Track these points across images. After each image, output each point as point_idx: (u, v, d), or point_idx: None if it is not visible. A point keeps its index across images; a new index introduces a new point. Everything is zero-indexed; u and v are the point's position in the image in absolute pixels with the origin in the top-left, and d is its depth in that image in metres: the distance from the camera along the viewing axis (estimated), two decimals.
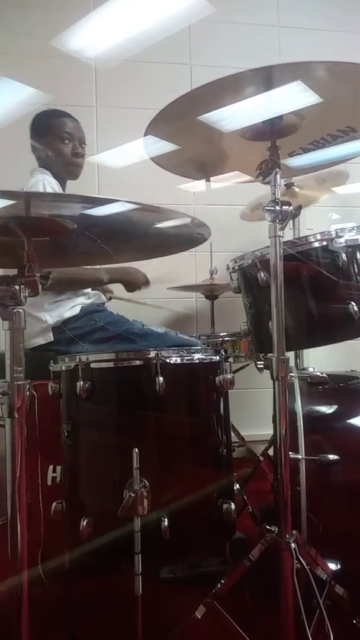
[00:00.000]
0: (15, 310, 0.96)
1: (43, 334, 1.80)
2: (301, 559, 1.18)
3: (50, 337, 1.80)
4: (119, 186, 2.53)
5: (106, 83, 2.65)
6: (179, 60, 2.71)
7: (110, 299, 2.10)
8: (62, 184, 1.94)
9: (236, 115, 1.22)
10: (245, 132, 1.27)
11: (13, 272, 0.97)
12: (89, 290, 1.95)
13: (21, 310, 0.96)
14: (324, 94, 1.13)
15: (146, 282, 1.99)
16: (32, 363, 1.03)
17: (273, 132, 1.24)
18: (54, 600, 1.42)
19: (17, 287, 0.95)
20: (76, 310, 1.84)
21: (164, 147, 1.31)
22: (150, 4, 2.47)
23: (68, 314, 1.82)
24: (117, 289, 2.05)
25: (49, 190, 1.78)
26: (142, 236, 1.15)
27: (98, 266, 1.94)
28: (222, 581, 1.24)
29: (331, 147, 1.34)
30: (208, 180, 1.56)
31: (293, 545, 1.17)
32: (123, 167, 2.56)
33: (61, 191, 1.87)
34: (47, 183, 1.82)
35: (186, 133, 1.29)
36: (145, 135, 1.24)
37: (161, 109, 1.15)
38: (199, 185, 1.81)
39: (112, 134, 2.58)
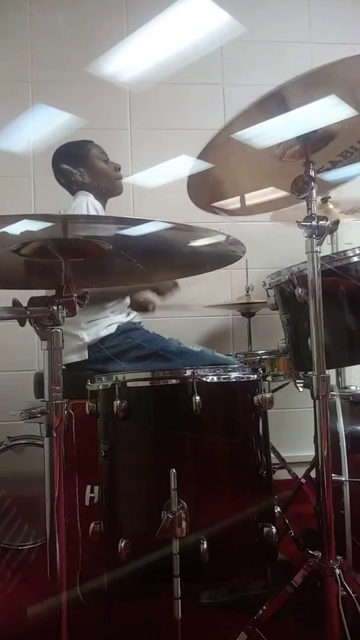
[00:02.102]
0: (53, 330, 0.97)
1: (79, 352, 1.82)
2: (347, 586, 1.13)
3: (85, 355, 1.82)
4: (153, 206, 2.56)
5: (140, 105, 2.71)
6: (211, 80, 2.74)
7: (154, 308, 2.11)
8: (103, 204, 2.00)
9: (270, 132, 1.22)
10: (279, 148, 1.27)
11: (51, 292, 0.98)
12: (126, 306, 1.96)
13: (59, 330, 0.97)
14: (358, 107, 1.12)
15: (175, 285, 2.02)
16: (69, 382, 1.04)
17: (307, 147, 1.23)
18: (92, 624, 1.40)
19: (55, 307, 0.96)
20: (112, 329, 1.86)
21: (199, 165, 1.32)
22: (182, 27, 2.52)
23: (104, 332, 1.84)
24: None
25: (92, 211, 1.84)
26: (177, 255, 1.15)
27: None
28: (264, 607, 1.20)
29: None
30: (242, 197, 1.56)
31: (338, 571, 1.13)
32: (157, 187, 2.59)
33: (104, 212, 1.91)
34: (90, 205, 1.87)
35: (221, 151, 1.29)
36: (197, 158, 1.24)
37: (215, 134, 1.15)
38: (234, 202, 1.80)
39: (146, 155, 2.62)
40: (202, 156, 1.25)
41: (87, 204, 1.86)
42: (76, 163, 2.00)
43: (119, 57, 2.59)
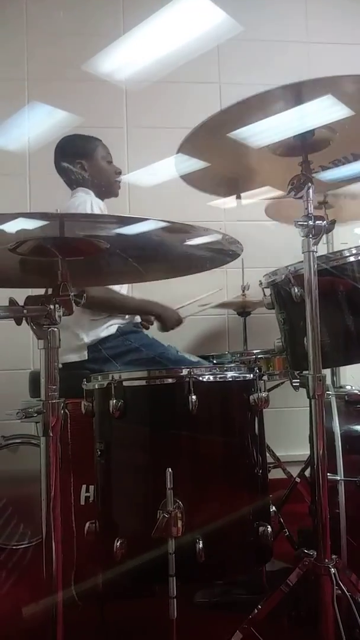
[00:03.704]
0: (50, 329, 0.96)
1: (78, 352, 1.82)
2: (341, 585, 1.13)
3: (84, 355, 1.81)
4: (150, 205, 2.56)
5: (136, 104, 2.70)
6: (208, 79, 2.74)
7: (147, 328, 2.10)
8: None
9: (267, 131, 1.22)
10: (276, 147, 1.27)
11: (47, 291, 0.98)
12: None
13: (56, 329, 0.97)
14: (355, 107, 1.12)
15: (179, 322, 2.01)
16: (65, 381, 1.03)
17: (304, 146, 1.24)
18: (87, 623, 1.40)
19: (51, 306, 0.96)
20: (112, 330, 1.86)
21: (194, 164, 1.32)
22: (179, 26, 2.52)
23: (104, 333, 1.84)
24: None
25: (96, 210, 1.84)
26: (173, 254, 1.15)
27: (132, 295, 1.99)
28: (259, 606, 1.20)
29: None
30: (239, 197, 1.56)
31: (333, 570, 1.13)
32: (153, 185, 2.58)
33: (107, 211, 1.91)
34: (94, 203, 1.87)
35: (216, 150, 1.29)
36: (177, 153, 1.25)
37: (194, 128, 1.16)
38: (230, 201, 1.81)
39: (142, 154, 2.62)
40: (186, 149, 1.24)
41: (91, 203, 1.86)
42: (80, 155, 1.99)
43: (115, 55, 2.58)
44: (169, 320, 1.98)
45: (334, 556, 1.16)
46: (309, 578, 1.17)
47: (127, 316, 1.95)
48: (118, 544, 1.19)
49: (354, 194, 2.03)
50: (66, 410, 1.01)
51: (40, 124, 2.55)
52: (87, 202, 1.86)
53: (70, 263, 0.99)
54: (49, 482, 0.95)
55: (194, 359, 1.86)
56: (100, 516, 1.34)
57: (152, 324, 2.09)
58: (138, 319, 2.01)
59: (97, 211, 1.83)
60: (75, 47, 2.63)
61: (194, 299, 2.17)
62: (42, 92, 2.59)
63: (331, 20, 2.85)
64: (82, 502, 1.58)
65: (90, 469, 1.38)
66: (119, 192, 2.10)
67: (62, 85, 2.60)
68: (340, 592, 1.13)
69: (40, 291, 1.00)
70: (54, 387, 0.97)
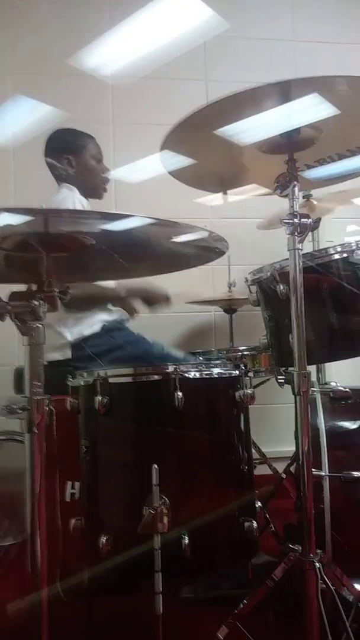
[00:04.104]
0: (34, 325, 0.96)
1: (61, 350, 1.80)
2: (326, 579, 1.15)
3: (68, 354, 1.80)
4: (136, 201, 2.55)
5: (122, 100, 2.69)
6: (195, 76, 2.73)
7: (134, 317, 2.08)
8: None
9: (253, 129, 1.22)
10: (262, 145, 1.27)
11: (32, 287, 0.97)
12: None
13: (40, 325, 0.96)
14: (341, 106, 1.13)
15: (167, 299, 1.94)
16: (50, 378, 1.03)
17: (290, 144, 1.24)
18: (73, 619, 1.40)
19: (36, 302, 0.95)
20: (97, 328, 1.84)
21: (181, 161, 1.32)
22: (165, 22, 2.51)
23: (88, 331, 1.82)
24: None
25: (78, 207, 1.80)
26: (159, 251, 1.15)
27: (116, 282, 1.93)
28: (245, 601, 1.21)
29: (350, 160, 1.33)
30: (225, 193, 1.56)
31: (317, 564, 1.14)
32: (139, 182, 2.57)
33: (90, 209, 1.89)
34: (77, 200, 1.85)
35: (203, 147, 1.29)
36: (161, 149, 1.24)
37: (177, 123, 1.15)
38: (216, 198, 1.81)
39: (128, 150, 2.60)
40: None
41: (73, 200, 1.84)
42: (68, 150, 1.97)
43: (101, 50, 2.56)
44: (156, 299, 1.90)
45: (318, 551, 1.17)
46: (294, 573, 1.18)
47: (113, 311, 1.93)
48: (104, 540, 1.19)
49: (338, 193, 2.05)
50: (51, 407, 1.00)
51: (24, 118, 2.52)
52: (69, 199, 1.84)
53: (55, 259, 0.99)
54: (33, 478, 0.95)
55: (180, 354, 1.85)
56: (85, 513, 1.34)
57: (137, 312, 2.01)
58: (124, 315, 1.99)
59: (79, 208, 1.81)
60: (60, 41, 2.60)
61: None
62: (27, 86, 2.56)
63: (318, 19, 2.85)
64: (68, 499, 1.57)
65: (75, 465, 1.37)
66: (104, 194, 2.07)
67: (47, 80, 2.57)
68: (324, 586, 1.14)
69: (25, 287, 0.99)
70: (39, 383, 0.96)
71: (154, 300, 1.92)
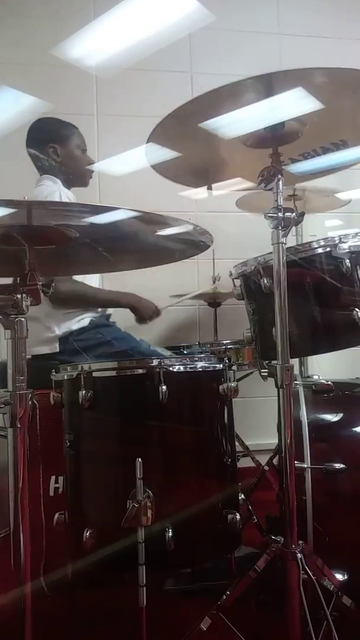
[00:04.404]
0: (17, 319, 0.95)
1: (49, 343, 1.79)
2: (307, 570, 1.16)
3: (56, 347, 1.79)
4: (120, 194, 2.53)
5: (107, 91, 2.66)
6: (180, 68, 2.72)
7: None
8: None
9: (238, 122, 1.22)
10: (247, 139, 1.27)
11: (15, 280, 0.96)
12: None
13: (23, 319, 0.95)
14: (325, 100, 1.13)
15: (156, 313, 1.98)
16: (34, 372, 1.02)
17: (275, 138, 1.24)
18: (57, 613, 1.40)
19: (18, 295, 0.94)
20: (85, 322, 1.84)
21: (166, 154, 1.31)
22: (150, 13, 2.48)
23: (76, 325, 1.82)
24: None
25: (64, 200, 1.78)
26: (144, 244, 1.15)
27: (108, 289, 1.97)
28: (228, 592, 1.22)
29: (334, 153, 1.34)
30: (210, 188, 1.56)
31: (299, 555, 1.16)
32: (124, 174, 2.56)
33: (75, 200, 1.87)
34: (63, 194, 1.83)
35: (188, 140, 1.29)
36: (147, 142, 1.23)
37: (164, 117, 1.15)
38: (201, 192, 1.80)
39: (112, 142, 2.58)
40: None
41: (59, 193, 1.82)
42: (54, 139, 1.94)
43: (85, 41, 2.52)
44: (145, 312, 1.94)
45: (300, 542, 1.19)
46: (276, 564, 1.19)
47: (99, 309, 1.93)
48: (87, 534, 1.19)
49: (322, 187, 2.06)
50: (34, 401, 1.00)
51: (6, 108, 2.48)
52: (56, 193, 1.82)
53: (38, 252, 0.98)
54: (17, 473, 0.94)
55: (166, 353, 1.86)
56: (69, 507, 1.33)
57: None
58: (111, 311, 1.99)
59: (65, 201, 1.80)
60: (44, 30, 2.56)
61: (189, 294, 2.16)
62: (9, 75, 2.52)
63: (303, 12, 2.85)
64: (51, 493, 1.57)
65: (59, 459, 1.37)
66: (89, 181, 2.07)
67: (30, 70, 2.53)
68: (306, 576, 1.16)
69: (8, 280, 0.98)
70: (22, 377, 0.96)
71: (144, 311, 1.94)
